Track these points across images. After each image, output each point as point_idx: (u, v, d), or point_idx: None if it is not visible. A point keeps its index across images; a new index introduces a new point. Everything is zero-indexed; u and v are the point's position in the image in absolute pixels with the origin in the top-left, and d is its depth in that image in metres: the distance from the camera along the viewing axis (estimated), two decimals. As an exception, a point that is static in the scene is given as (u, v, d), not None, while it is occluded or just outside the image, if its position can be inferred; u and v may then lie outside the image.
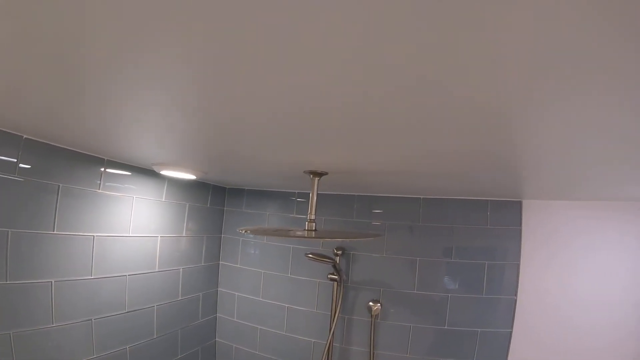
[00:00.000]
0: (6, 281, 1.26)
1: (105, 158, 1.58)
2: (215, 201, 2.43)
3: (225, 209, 2.54)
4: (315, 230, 1.38)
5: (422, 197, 2.08)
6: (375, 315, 2.06)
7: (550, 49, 0.43)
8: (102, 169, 1.58)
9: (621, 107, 0.58)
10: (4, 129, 1.21)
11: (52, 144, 1.37)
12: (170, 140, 1.10)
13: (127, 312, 1.74)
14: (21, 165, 1.28)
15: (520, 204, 1.94)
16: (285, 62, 0.51)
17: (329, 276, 2.08)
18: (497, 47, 0.44)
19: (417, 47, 0.45)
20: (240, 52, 0.49)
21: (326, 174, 1.42)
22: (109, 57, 0.55)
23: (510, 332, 1.89)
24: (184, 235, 2.13)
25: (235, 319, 2.42)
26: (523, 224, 1.92)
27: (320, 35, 0.43)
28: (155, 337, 1.92)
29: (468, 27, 0.40)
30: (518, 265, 1.90)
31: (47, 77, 0.66)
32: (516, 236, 1.93)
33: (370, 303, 2.07)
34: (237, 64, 0.53)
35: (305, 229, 1.37)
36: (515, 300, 1.90)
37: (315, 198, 1.39)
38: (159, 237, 1.94)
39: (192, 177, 1.70)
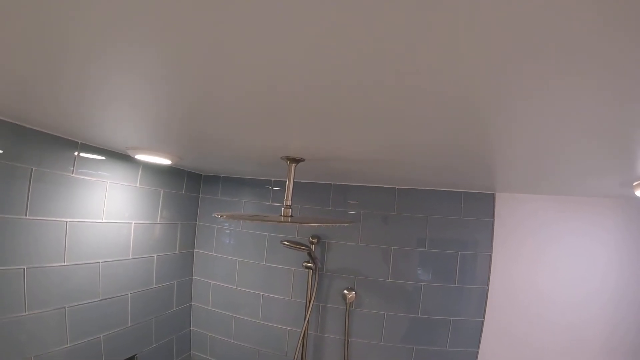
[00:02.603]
0: (-23, 267, 1.23)
1: (79, 141, 1.55)
2: (190, 188, 2.40)
3: (200, 196, 2.52)
4: (291, 216, 1.38)
5: (397, 187, 2.10)
6: (350, 303, 2.08)
7: (521, 42, 0.44)
8: (76, 153, 1.55)
9: (589, 101, 0.60)
10: (-26, 110, 1.17)
11: (25, 125, 1.33)
12: (144, 122, 1.09)
13: (101, 299, 1.71)
14: (-8, 147, 1.24)
15: (493, 196, 1.98)
16: (256, 42, 0.51)
17: (304, 264, 2.10)
18: (468, 39, 0.45)
19: (391, 35, 0.45)
20: (214, 32, 0.49)
21: (303, 160, 1.42)
22: (91, 39, 0.55)
23: (482, 321, 1.94)
24: (158, 222, 2.10)
25: (210, 307, 2.41)
26: (496, 216, 1.97)
27: (296, 12, 0.43)
28: (129, 325, 1.90)
29: (441, 24, 0.41)
30: (490, 256, 1.95)
31: (25, 54, 0.65)
32: (488, 227, 1.97)
33: (345, 291, 2.10)
34: (208, 43, 0.53)
35: (281, 215, 1.37)
36: (487, 290, 1.94)
37: (291, 184, 1.40)
38: (133, 224, 1.91)
39: (167, 162, 1.67)
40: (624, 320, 1.75)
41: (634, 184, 1.29)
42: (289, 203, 1.38)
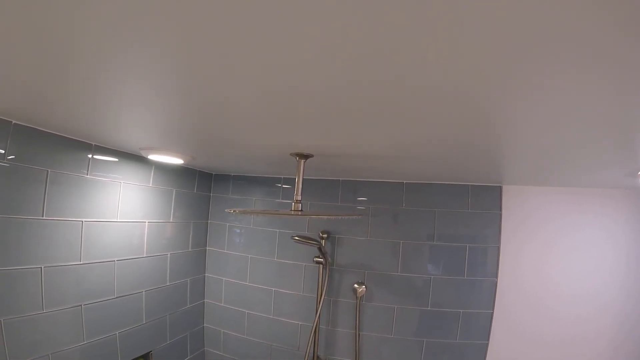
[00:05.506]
0: (-4, 267, 1.27)
1: (93, 143, 1.59)
2: (201, 187, 2.44)
3: (211, 195, 2.55)
4: (301, 210, 1.41)
5: (405, 182, 2.12)
6: (360, 297, 2.10)
7: (527, 31, 0.44)
8: (90, 155, 1.58)
9: (594, 91, 0.61)
10: (-6, 115, 1.21)
11: (41, 129, 1.37)
12: (157, 124, 1.12)
13: (116, 297, 1.75)
14: (10, 150, 1.28)
15: (500, 189, 1.99)
16: (266, 44, 0.53)
17: (314, 259, 2.12)
18: (472, 36, 0.46)
19: (395, 36, 0.47)
20: (222, 34, 0.51)
21: (312, 156, 1.44)
22: (99, 45, 0.57)
23: (492, 313, 1.95)
24: (171, 220, 2.14)
25: (222, 304, 2.44)
26: (503, 209, 1.97)
27: (305, 14, 0.44)
28: (144, 322, 1.94)
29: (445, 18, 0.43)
30: (498, 248, 1.96)
31: (38, 62, 0.67)
32: (496, 220, 1.98)
33: (355, 285, 2.11)
34: (218, 46, 0.54)
35: (291, 210, 1.40)
36: (496, 282, 1.95)
37: (301, 180, 1.43)
38: (147, 223, 1.95)
39: (179, 161, 1.71)
40: (633, 312, 1.75)
41: (639, 173, 1.29)
42: (299, 198, 1.41)
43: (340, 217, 1.29)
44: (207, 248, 2.53)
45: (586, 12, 0.39)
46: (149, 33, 0.51)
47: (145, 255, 1.94)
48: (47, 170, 1.41)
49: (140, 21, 0.48)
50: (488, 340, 1.94)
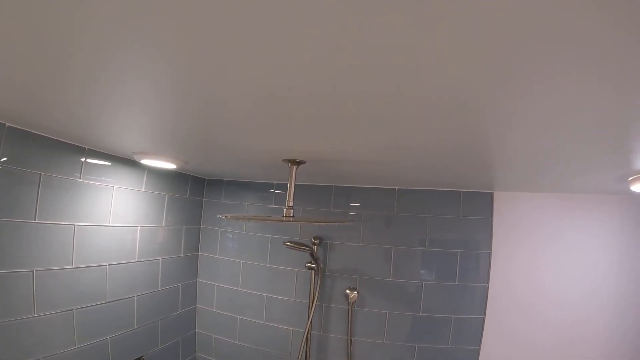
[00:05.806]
0: (-13, 270, 1.26)
1: (86, 147, 1.59)
2: (194, 192, 2.44)
3: (204, 200, 2.55)
4: (293, 216, 1.42)
5: (397, 188, 2.13)
6: (352, 302, 2.10)
7: (527, 31, 0.44)
8: (83, 159, 1.58)
9: (594, 91, 0.60)
10: (-14, 117, 1.21)
11: (35, 132, 1.37)
12: (151, 128, 1.12)
13: (108, 302, 1.74)
14: (3, 153, 1.27)
15: (491, 195, 2.00)
16: (259, 51, 0.54)
17: (306, 265, 2.12)
18: (465, 39, 0.47)
19: (388, 44, 0.48)
20: (222, 35, 0.51)
21: (303, 162, 1.45)
22: (99, 45, 0.58)
23: (483, 318, 1.96)
24: (163, 225, 2.14)
25: (214, 310, 2.44)
26: (494, 214, 1.99)
27: (300, 19, 0.45)
28: (135, 327, 1.93)
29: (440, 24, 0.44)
30: (490, 254, 1.97)
31: (38, 62, 0.67)
32: (487, 226, 1.99)
33: (347, 291, 2.12)
34: (219, 46, 0.55)
35: (283, 216, 1.41)
36: (488, 288, 1.96)
37: (293, 186, 1.44)
38: (139, 227, 1.94)
39: (172, 166, 1.72)
40: (625, 318, 1.76)
41: (629, 179, 1.30)
42: (291, 204, 1.42)
43: (332, 223, 1.29)
44: (199, 253, 2.52)
45: (586, 12, 0.39)
46: (149, 33, 0.52)
47: (137, 260, 1.94)
48: (40, 174, 1.41)
49: (140, 21, 0.48)
50: (480, 345, 1.95)
